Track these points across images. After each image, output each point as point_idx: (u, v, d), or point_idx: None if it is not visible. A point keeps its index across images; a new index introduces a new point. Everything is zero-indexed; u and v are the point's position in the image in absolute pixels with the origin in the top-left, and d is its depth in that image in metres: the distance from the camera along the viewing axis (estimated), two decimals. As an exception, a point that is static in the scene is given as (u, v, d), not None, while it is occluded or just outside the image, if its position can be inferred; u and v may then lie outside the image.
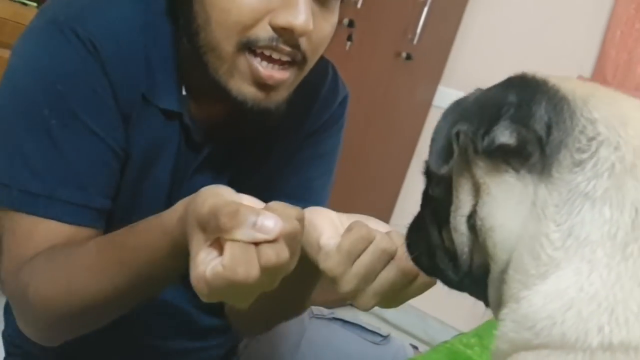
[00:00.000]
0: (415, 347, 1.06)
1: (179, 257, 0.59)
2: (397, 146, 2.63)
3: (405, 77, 2.42)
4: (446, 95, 2.62)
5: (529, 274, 0.44)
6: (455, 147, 0.48)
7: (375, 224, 0.64)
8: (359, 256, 0.60)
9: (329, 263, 0.61)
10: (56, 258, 0.70)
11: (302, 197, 0.90)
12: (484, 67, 2.55)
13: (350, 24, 1.93)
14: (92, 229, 0.74)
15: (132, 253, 0.65)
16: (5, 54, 0.77)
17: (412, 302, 0.65)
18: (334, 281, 0.62)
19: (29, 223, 0.72)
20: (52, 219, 0.72)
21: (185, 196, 0.75)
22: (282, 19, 0.70)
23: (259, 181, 0.86)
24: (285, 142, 0.90)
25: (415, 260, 0.58)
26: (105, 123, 0.74)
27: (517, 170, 0.47)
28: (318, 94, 0.91)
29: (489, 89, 0.50)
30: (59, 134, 0.72)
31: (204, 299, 0.53)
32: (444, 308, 2.51)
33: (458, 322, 2.41)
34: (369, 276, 0.61)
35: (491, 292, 0.51)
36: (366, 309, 0.63)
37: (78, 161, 0.73)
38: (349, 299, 0.63)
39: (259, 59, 0.73)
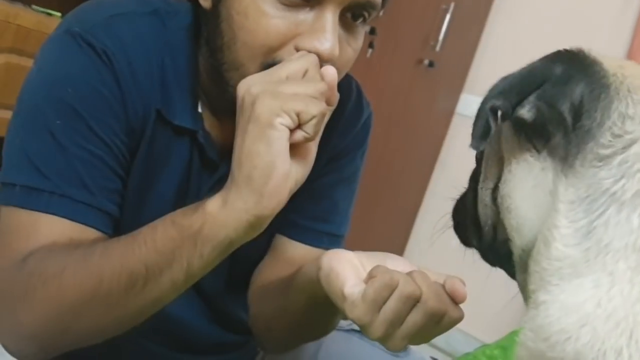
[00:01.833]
0: (435, 360, 1.04)
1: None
2: (420, 154, 2.61)
3: (427, 84, 2.40)
4: (469, 102, 2.59)
5: (542, 267, 0.42)
6: (492, 123, 0.45)
7: (395, 263, 0.65)
8: (384, 303, 0.61)
9: (356, 313, 0.62)
10: (69, 246, 0.69)
11: (328, 219, 0.90)
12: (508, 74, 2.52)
13: (372, 31, 1.92)
14: (97, 232, 0.72)
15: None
16: (30, 63, 0.78)
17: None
18: (362, 329, 0.63)
19: (30, 219, 0.70)
20: (55, 214, 0.70)
21: None
22: (309, 44, 0.69)
23: None
24: None
25: (454, 228, 0.59)
26: (111, 129, 0.74)
27: (538, 151, 0.44)
28: (342, 114, 0.89)
29: (538, 61, 0.46)
30: (63, 135, 0.71)
31: None
32: (466, 318, 2.44)
33: (481, 333, 2.37)
34: (397, 321, 0.62)
35: (518, 276, 0.49)
36: (397, 351, 0.64)
37: (83, 163, 0.72)
38: (379, 342, 0.64)
39: None
